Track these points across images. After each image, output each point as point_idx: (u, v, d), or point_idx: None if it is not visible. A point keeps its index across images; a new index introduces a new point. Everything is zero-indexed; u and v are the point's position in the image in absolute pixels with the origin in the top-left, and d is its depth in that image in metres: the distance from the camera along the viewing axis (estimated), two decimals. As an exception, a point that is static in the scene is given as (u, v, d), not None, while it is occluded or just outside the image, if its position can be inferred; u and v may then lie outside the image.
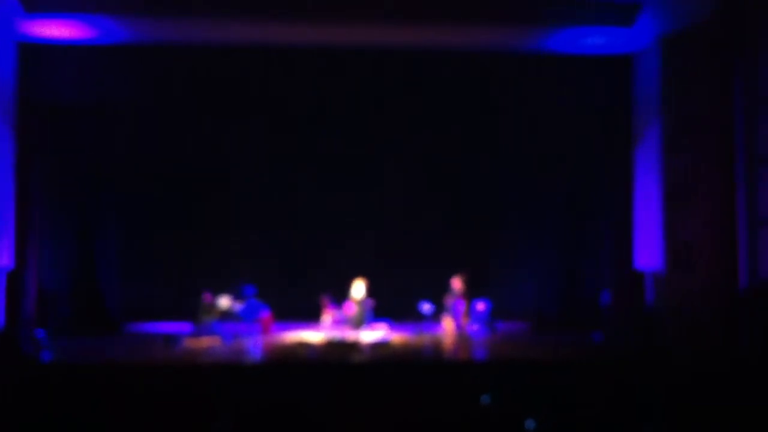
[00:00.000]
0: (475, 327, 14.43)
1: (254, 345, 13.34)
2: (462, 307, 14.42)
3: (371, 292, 14.34)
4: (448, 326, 14.36)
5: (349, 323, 14.11)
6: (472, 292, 14.56)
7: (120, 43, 13.22)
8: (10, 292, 12.33)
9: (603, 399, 10.50)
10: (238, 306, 14.06)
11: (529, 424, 8.76)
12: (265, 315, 14.25)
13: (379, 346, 12.98)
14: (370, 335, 13.65)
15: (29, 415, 10.07)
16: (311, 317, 14.57)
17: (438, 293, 14.51)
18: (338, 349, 12.80)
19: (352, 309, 14.19)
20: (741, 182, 11.82)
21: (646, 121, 13.18)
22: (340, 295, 14.42)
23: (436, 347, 13.19)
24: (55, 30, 12.73)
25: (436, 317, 14.36)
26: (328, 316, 14.38)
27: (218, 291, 14.11)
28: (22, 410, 10.15)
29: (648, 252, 13.05)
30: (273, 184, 15.69)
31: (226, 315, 13.95)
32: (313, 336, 13.62)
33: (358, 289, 14.28)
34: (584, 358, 12.21)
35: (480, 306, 14.54)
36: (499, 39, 13.48)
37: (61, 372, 11.60)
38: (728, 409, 9.46)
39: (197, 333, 13.64)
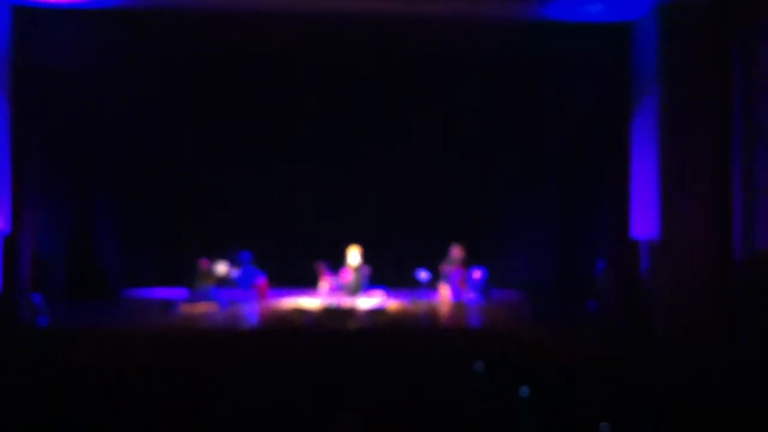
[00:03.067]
0: (472, 295, 14.48)
1: (250, 311, 13.40)
2: (459, 275, 14.47)
3: (368, 259, 14.37)
4: (444, 294, 14.41)
5: (345, 290, 14.16)
6: (468, 261, 14.61)
7: (117, 6, 13.09)
8: (7, 256, 12.33)
9: (591, 375, 10.58)
10: (235, 272, 14.10)
11: (524, 391, 8.82)
12: (262, 281, 14.30)
13: (376, 313, 13.04)
14: (367, 302, 13.70)
15: (26, 380, 10.13)
16: (307, 284, 14.61)
17: (434, 261, 14.54)
18: (334, 315, 12.87)
19: (348, 276, 14.23)
20: (738, 152, 11.81)
21: (644, 90, 13.12)
22: (337, 262, 14.45)
23: (432, 314, 13.26)
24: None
25: (432, 285, 14.41)
26: (324, 283, 14.43)
27: (215, 257, 14.14)
28: (19, 374, 10.20)
29: (644, 222, 13.07)
30: (271, 152, 15.65)
31: (223, 281, 14.00)
32: (309, 302, 13.67)
33: (354, 256, 14.31)
34: (573, 329, 12.29)
35: (476, 274, 14.59)
36: (495, 6, 13.36)
37: (58, 336, 11.65)
38: (723, 385, 9.53)
39: (193, 299, 13.69)
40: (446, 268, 14.52)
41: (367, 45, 13.92)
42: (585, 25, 13.41)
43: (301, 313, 13.04)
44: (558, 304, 14.14)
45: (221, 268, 14.01)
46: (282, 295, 14.45)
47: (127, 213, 15.50)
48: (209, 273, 13.94)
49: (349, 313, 13.02)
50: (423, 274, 14.29)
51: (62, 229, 14.75)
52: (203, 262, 14.00)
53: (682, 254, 12.26)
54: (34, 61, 13.04)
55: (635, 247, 13.12)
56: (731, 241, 11.86)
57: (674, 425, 8.12)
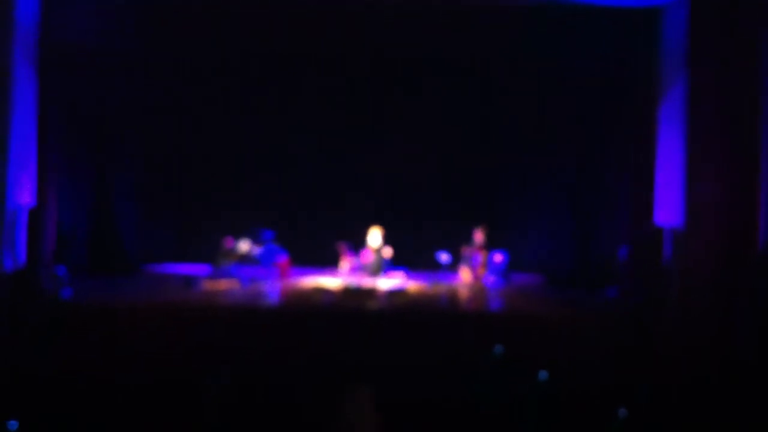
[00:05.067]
0: (492, 278, 14.46)
1: (271, 289, 13.46)
2: (480, 258, 14.45)
3: (389, 240, 14.38)
4: (465, 276, 14.41)
5: (365, 271, 14.17)
6: (489, 244, 14.58)
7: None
8: (31, 229, 12.43)
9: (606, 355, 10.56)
10: (257, 250, 14.15)
11: (542, 375, 8.83)
12: (283, 260, 14.34)
13: (396, 294, 13.06)
14: (387, 283, 13.71)
15: (49, 351, 10.26)
16: (328, 264, 14.64)
17: (454, 244, 14.52)
18: (354, 295, 12.90)
19: (369, 257, 14.24)
20: (766, 139, 11.68)
21: (672, 75, 12.99)
22: (358, 243, 14.47)
23: (452, 297, 13.26)
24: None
25: (452, 267, 14.40)
26: (345, 263, 14.45)
27: (238, 235, 14.20)
28: (42, 346, 10.33)
29: (668, 208, 12.97)
30: (295, 130, 15.65)
31: (245, 258, 14.06)
32: (330, 282, 13.71)
33: (375, 237, 14.32)
34: (593, 314, 12.25)
35: (497, 257, 14.56)
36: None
37: (81, 310, 11.77)
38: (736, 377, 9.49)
39: (215, 275, 13.77)
40: (467, 250, 14.49)
41: (387, 23, 13.85)
42: (616, 9, 13.29)
43: (321, 292, 13.08)
44: (578, 290, 14.08)
45: (244, 245, 14.07)
46: (303, 274, 14.49)
47: (150, 190, 15.56)
48: (232, 251, 14.01)
49: (369, 293, 13.04)
50: (443, 257, 14.28)
51: (85, 205, 14.86)
52: (227, 240, 14.07)
53: (705, 243, 12.16)
54: (58, 37, 13.08)
55: (659, 234, 13.03)
56: (756, 230, 11.74)
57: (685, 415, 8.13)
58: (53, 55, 12.92)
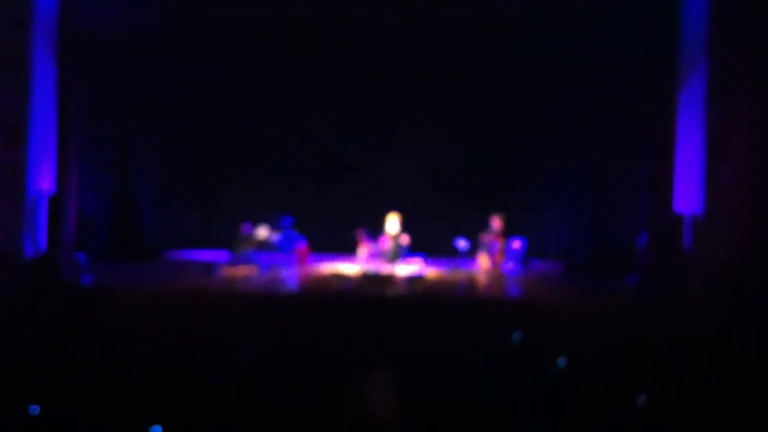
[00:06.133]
0: (510, 265, 14.43)
1: (290, 275, 13.50)
2: (498, 245, 14.42)
3: (407, 227, 14.38)
4: (483, 263, 14.39)
5: (384, 257, 14.18)
6: (507, 231, 14.55)
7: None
8: (51, 216, 12.52)
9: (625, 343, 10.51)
10: (276, 236, 14.20)
11: (561, 361, 8.80)
12: (302, 246, 14.38)
13: (414, 281, 13.06)
14: (405, 269, 13.72)
15: (70, 336, 10.33)
16: (347, 250, 14.67)
17: (472, 231, 14.50)
18: (373, 282, 12.91)
19: (387, 243, 14.25)
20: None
21: (693, 59, 12.86)
22: (376, 230, 14.48)
23: (471, 283, 13.25)
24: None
25: (471, 254, 14.38)
26: (363, 250, 14.47)
27: (255, 221, 14.24)
28: (64, 331, 10.40)
29: (688, 195, 12.88)
30: (312, 117, 15.66)
31: (263, 245, 14.11)
32: (348, 268, 13.73)
33: (394, 223, 14.32)
34: (613, 303, 12.19)
35: (516, 244, 14.53)
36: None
37: (102, 296, 11.85)
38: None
39: (234, 262, 13.84)
40: (485, 237, 14.47)
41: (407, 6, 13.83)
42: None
43: (339, 278, 13.10)
44: (598, 277, 14.03)
45: (262, 232, 14.11)
46: (321, 260, 14.53)
47: (171, 176, 15.66)
48: (250, 237, 14.06)
49: (388, 280, 13.05)
50: (462, 243, 14.27)
51: (105, 191, 14.96)
52: (245, 226, 14.12)
53: (725, 231, 12.06)
54: (79, 22, 13.13)
55: (679, 222, 12.95)
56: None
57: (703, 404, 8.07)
58: (73, 40, 12.98)
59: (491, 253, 14.41)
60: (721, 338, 10.85)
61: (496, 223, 14.46)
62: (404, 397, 8.50)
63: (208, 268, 13.49)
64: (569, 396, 7.92)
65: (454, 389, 8.24)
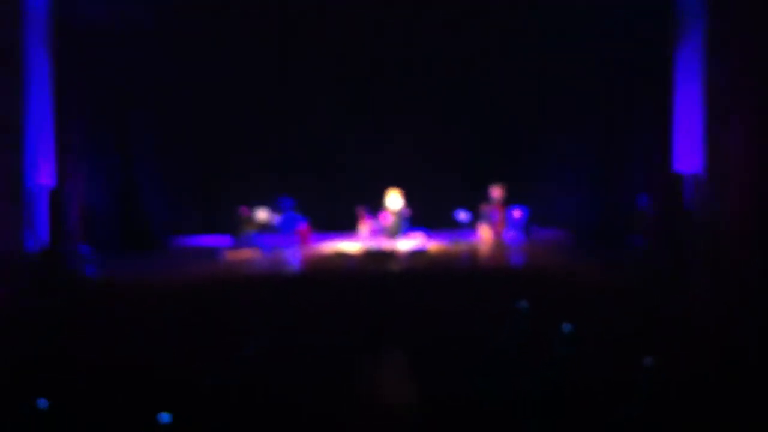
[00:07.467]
0: (512, 234, 14.44)
1: (293, 256, 13.53)
2: (498, 214, 14.42)
3: (407, 201, 14.38)
4: (484, 234, 14.39)
5: (385, 233, 14.20)
6: (508, 200, 14.54)
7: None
8: (53, 209, 12.53)
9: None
10: (276, 218, 14.22)
11: (566, 327, 8.82)
12: (303, 226, 14.40)
13: (416, 255, 13.09)
14: (407, 244, 13.74)
15: (77, 328, 10.37)
16: (348, 228, 14.69)
17: (473, 202, 14.50)
18: (375, 258, 12.94)
19: (388, 219, 14.26)
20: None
21: (690, 20, 12.75)
22: (377, 206, 14.48)
23: (473, 254, 13.27)
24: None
25: (472, 225, 14.39)
26: (364, 227, 14.48)
27: (256, 204, 14.26)
28: (69, 323, 10.45)
29: (688, 155, 12.84)
30: (310, 98, 15.62)
31: (265, 227, 14.13)
32: (350, 246, 13.76)
33: (394, 199, 14.32)
34: (615, 266, 12.19)
35: (516, 213, 14.53)
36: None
37: (108, 286, 11.90)
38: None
39: (237, 245, 13.87)
40: (486, 208, 14.46)
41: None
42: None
43: (342, 256, 13.13)
44: (600, 241, 14.03)
45: (262, 214, 14.14)
46: (323, 239, 14.55)
47: (171, 163, 15.63)
48: (250, 219, 14.09)
49: (390, 255, 13.07)
50: (462, 215, 14.27)
51: (109, 183, 14.93)
52: (243, 210, 14.15)
53: (726, 189, 12.03)
54: (75, 15, 13.07)
55: (678, 181, 12.92)
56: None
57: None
58: (68, 32, 12.92)
59: (492, 223, 14.41)
60: (730, 301, 10.81)
61: (496, 192, 14.44)
62: (411, 386, 8.53)
63: (212, 253, 13.53)
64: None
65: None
